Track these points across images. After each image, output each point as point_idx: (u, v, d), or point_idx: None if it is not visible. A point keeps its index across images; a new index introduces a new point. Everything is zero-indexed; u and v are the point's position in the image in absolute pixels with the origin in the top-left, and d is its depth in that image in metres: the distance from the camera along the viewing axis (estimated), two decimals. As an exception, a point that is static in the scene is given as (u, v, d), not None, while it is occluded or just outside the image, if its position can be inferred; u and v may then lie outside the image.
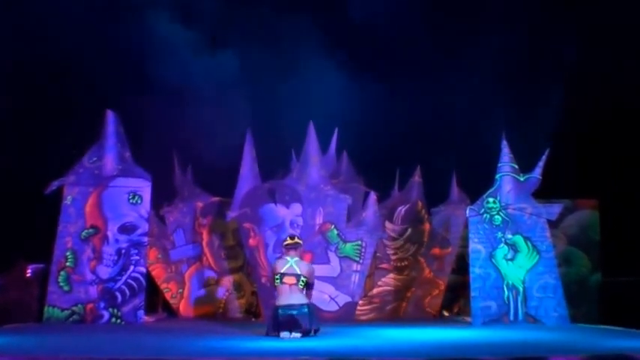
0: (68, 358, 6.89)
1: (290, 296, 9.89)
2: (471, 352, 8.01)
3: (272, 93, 14.50)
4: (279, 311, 9.83)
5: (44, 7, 14.29)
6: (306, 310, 9.89)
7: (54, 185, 12.34)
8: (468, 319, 12.72)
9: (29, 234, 12.84)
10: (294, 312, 9.80)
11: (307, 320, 9.84)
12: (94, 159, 12.58)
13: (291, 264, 10.06)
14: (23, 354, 7.15)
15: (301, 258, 10.33)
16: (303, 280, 10.01)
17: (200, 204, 14.49)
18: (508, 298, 12.39)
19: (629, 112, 14.72)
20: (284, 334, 9.72)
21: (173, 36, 15.43)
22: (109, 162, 12.56)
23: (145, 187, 12.53)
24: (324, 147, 13.66)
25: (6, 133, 13.48)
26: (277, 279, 9.98)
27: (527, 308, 12.38)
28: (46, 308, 11.95)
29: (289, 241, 10.30)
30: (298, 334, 9.70)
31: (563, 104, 14.92)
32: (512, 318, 12.34)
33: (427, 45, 15.84)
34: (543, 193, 13.02)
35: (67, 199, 12.36)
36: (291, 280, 9.96)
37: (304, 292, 10.02)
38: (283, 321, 9.77)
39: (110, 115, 12.63)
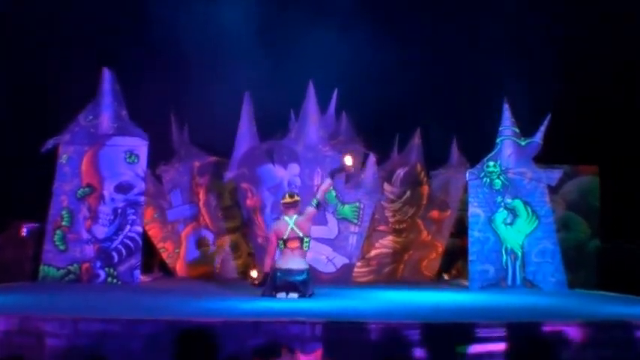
0: (64, 317, 6.82)
1: (291, 261, 9.85)
2: (467, 316, 7.98)
3: (272, 52, 14.33)
4: (278, 274, 9.78)
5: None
6: (305, 276, 9.87)
7: (49, 144, 12.17)
8: (466, 282, 12.70)
9: (24, 193, 12.74)
10: (293, 277, 9.75)
11: (305, 286, 9.80)
12: (90, 117, 12.42)
13: (292, 226, 9.97)
14: (18, 313, 7.08)
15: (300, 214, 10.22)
16: (306, 242, 9.97)
17: (197, 163, 14.38)
18: (506, 262, 12.36)
19: (631, 78, 14.61)
20: (280, 295, 9.68)
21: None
22: (106, 120, 12.40)
23: (141, 146, 12.38)
24: (323, 107, 13.53)
25: (0, 91, 13.33)
26: (281, 245, 9.91)
27: (525, 273, 12.36)
28: (41, 267, 11.85)
29: (288, 199, 10.20)
30: (295, 295, 9.66)
31: (565, 69, 14.78)
32: (509, 282, 12.33)
33: (429, 9, 15.68)
34: (544, 158, 12.95)
35: (63, 158, 12.21)
36: (295, 244, 9.90)
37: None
38: (281, 285, 9.72)
39: (107, 73, 12.46)
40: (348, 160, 10.86)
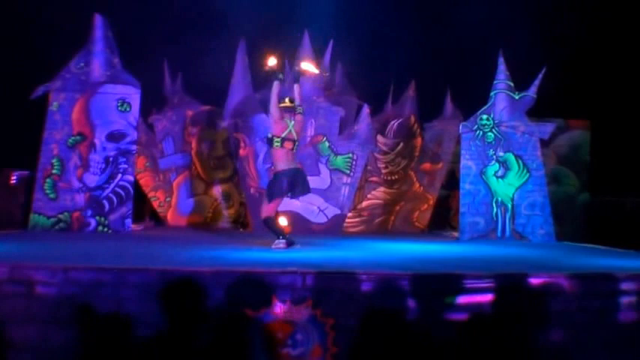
0: (54, 266, 6.82)
1: (290, 161, 9.95)
2: (456, 267, 8.00)
3: (267, 1, 14.21)
4: (286, 173, 9.92)
5: None
6: (304, 173, 10.19)
7: (39, 91, 12.01)
8: (456, 234, 12.76)
9: (14, 140, 12.65)
10: (297, 174, 9.98)
11: (306, 183, 10.11)
12: (82, 64, 12.26)
13: (291, 129, 10.01)
14: (8, 261, 7.08)
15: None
16: (297, 146, 10.12)
17: (190, 112, 14.36)
18: (496, 214, 12.41)
19: (623, 33, 14.56)
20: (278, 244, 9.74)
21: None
22: (97, 68, 12.25)
23: (134, 95, 12.26)
24: (318, 58, 13.45)
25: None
26: (277, 142, 9.95)
27: (514, 225, 12.42)
28: (31, 215, 11.79)
29: (288, 103, 10.16)
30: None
31: (560, 24, 14.72)
32: (499, 234, 12.39)
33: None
34: (537, 112, 12.94)
35: (53, 106, 12.06)
36: (290, 145, 9.96)
37: None
38: (289, 182, 9.91)
39: (98, 19, 12.31)
40: (306, 65, 10.81)
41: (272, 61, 10.29)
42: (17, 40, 13.17)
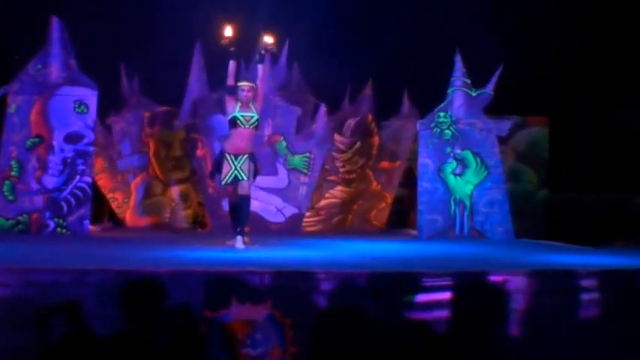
0: (12, 267, 6.79)
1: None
2: (414, 265, 8.07)
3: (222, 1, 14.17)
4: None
5: None
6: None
7: None
8: (414, 232, 12.83)
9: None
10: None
11: None
12: (39, 67, 12.19)
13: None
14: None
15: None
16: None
17: (147, 113, 14.29)
18: (454, 212, 12.49)
19: (582, 28, 14.68)
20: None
21: None
22: (54, 70, 12.18)
23: (91, 96, 12.20)
24: (274, 58, 13.45)
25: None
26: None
27: (473, 222, 12.50)
28: (-10, 218, 11.77)
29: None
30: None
31: (517, 20, 14.81)
32: (457, 232, 12.47)
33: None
34: (495, 109, 13.03)
35: (12, 108, 11.99)
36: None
37: None
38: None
39: (55, 22, 12.26)
40: (269, 39, 10.77)
41: (228, 32, 10.30)
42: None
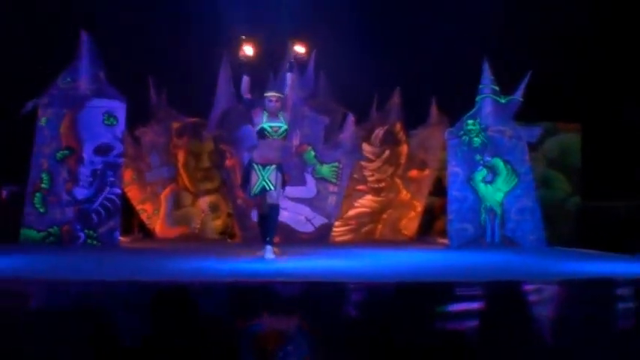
0: (44, 279, 6.82)
1: None
2: (446, 275, 8.00)
3: (250, 12, 14.17)
4: None
5: None
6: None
7: (28, 107, 12.05)
8: (445, 241, 12.74)
9: (3, 156, 12.65)
10: None
11: None
12: (68, 80, 12.32)
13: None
14: (1, 275, 7.09)
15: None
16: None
17: (176, 125, 14.37)
18: (485, 220, 12.39)
19: (614, 33, 14.54)
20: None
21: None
22: (83, 83, 12.31)
23: (119, 108, 12.30)
24: (302, 67, 13.44)
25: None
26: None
27: (504, 231, 12.38)
28: (22, 230, 11.82)
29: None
30: None
31: (547, 25, 14.69)
32: (488, 240, 12.35)
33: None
34: (526, 115, 12.91)
35: (42, 121, 12.13)
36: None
37: None
38: None
39: (84, 36, 12.36)
40: (300, 48, 10.74)
41: (247, 49, 10.30)
42: (8, 57, 13.11)
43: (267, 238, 9.88)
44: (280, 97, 10.10)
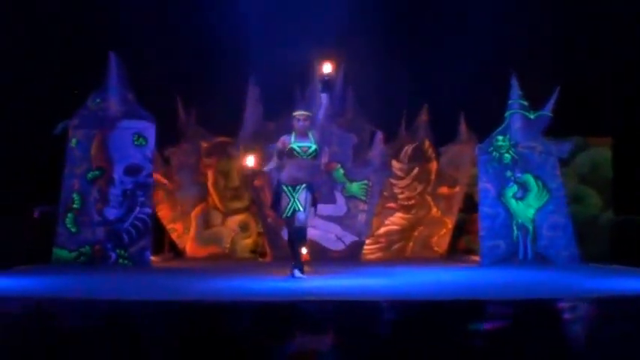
0: (76, 299, 6.85)
1: None
2: (479, 293, 7.94)
3: (276, 31, 14.21)
4: None
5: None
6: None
7: (59, 128, 12.21)
8: (477, 258, 12.65)
9: (36, 177, 12.76)
10: None
11: None
12: (98, 101, 12.46)
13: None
14: (35, 295, 7.13)
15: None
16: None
17: (205, 144, 14.44)
18: (517, 237, 12.28)
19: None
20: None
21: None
22: (113, 104, 12.44)
23: (149, 129, 12.39)
24: (329, 86, 13.44)
25: (10, 77, 13.25)
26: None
27: (536, 247, 12.26)
28: (54, 250, 11.91)
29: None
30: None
31: (576, 40, 14.61)
32: (521, 257, 12.23)
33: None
34: (557, 130, 12.82)
35: (72, 142, 12.27)
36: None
37: None
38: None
39: (112, 57, 12.47)
40: (327, 68, 10.71)
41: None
42: (39, 79, 13.22)
43: (294, 263, 9.82)
44: (309, 116, 10.06)
